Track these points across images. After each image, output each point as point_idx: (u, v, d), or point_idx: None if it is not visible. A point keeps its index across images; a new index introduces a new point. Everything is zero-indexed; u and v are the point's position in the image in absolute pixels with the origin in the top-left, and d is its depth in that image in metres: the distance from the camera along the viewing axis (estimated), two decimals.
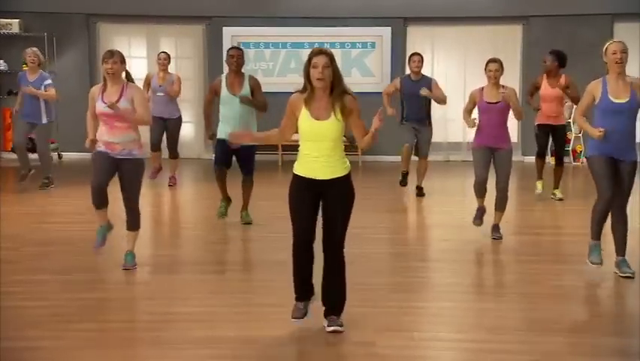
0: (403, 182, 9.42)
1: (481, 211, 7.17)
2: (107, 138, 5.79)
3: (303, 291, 4.60)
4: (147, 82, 9.96)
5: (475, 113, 7.13)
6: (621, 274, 5.71)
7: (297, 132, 4.55)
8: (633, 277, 5.66)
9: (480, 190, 7.08)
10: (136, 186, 5.92)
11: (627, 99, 5.50)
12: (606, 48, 5.56)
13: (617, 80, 5.52)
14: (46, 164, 9.74)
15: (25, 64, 9.69)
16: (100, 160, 5.84)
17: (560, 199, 9.05)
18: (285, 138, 4.66)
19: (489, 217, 7.15)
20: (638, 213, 7.12)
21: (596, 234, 5.76)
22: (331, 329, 4.51)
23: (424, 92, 8.96)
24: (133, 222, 6.00)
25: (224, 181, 7.64)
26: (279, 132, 4.63)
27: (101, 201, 5.91)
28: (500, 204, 7.00)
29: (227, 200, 7.73)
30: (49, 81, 9.54)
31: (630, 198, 5.80)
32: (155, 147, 10.12)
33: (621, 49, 5.47)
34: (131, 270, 5.91)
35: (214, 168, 7.61)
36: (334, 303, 4.57)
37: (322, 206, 4.49)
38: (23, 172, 9.67)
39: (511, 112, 6.95)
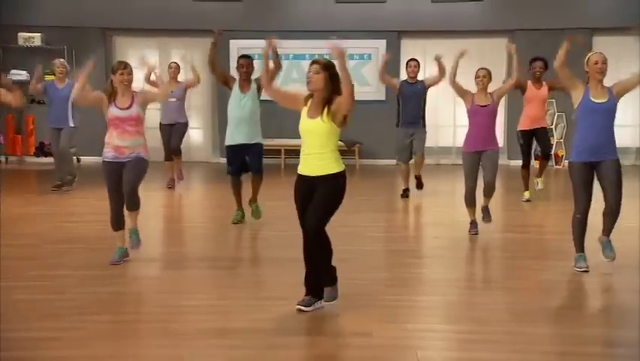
0: (404, 195, 9.35)
1: (474, 224, 7.16)
2: (118, 142, 5.74)
3: (311, 287, 4.73)
4: None
5: (465, 120, 7.21)
6: (604, 257, 5.75)
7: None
8: (613, 260, 5.71)
9: (470, 200, 7.08)
10: (136, 176, 5.78)
11: (606, 99, 5.59)
12: (588, 58, 5.66)
13: (596, 86, 5.62)
14: (69, 162, 9.79)
15: (53, 74, 9.80)
16: (110, 177, 5.75)
17: (539, 189, 9.06)
18: (276, 95, 4.84)
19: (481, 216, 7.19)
20: (639, 213, 7.09)
21: (580, 246, 5.78)
22: (324, 303, 4.75)
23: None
24: (131, 204, 5.84)
25: (240, 191, 7.57)
26: (278, 88, 4.94)
27: (119, 224, 5.89)
28: (488, 193, 7.20)
29: (242, 210, 7.65)
30: None
31: (630, 200, 5.76)
32: (168, 156, 10.02)
33: (602, 59, 5.60)
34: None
35: (228, 173, 7.51)
36: (320, 278, 4.69)
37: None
38: (59, 183, 9.63)
39: (499, 116, 7.07)
